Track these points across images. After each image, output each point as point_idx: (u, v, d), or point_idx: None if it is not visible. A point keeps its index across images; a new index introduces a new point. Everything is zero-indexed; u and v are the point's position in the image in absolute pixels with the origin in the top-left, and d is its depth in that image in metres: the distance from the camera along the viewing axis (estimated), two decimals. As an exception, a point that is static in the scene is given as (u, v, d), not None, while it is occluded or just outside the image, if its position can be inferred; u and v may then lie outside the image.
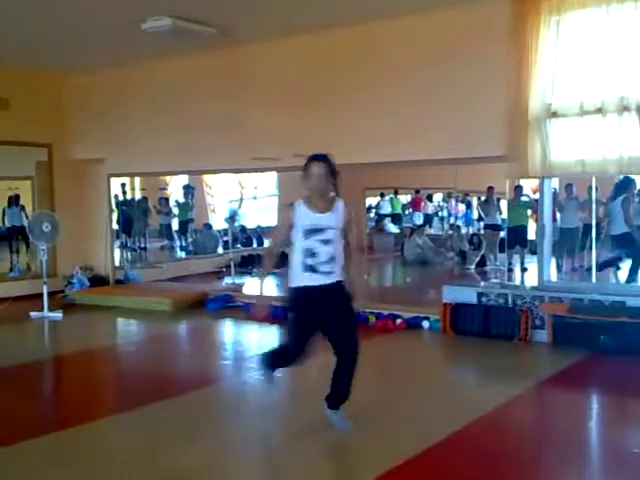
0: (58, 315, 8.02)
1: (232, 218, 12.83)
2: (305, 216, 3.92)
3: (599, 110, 5.92)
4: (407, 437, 3.93)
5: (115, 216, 10.70)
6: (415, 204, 15.45)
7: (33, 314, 7.97)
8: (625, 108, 5.79)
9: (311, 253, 3.88)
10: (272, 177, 15.43)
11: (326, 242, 3.89)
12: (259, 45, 7.84)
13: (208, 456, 3.79)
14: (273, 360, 4.23)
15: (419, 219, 14.84)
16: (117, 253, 10.61)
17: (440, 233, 14.31)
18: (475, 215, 14.30)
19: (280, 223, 4.08)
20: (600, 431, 4.45)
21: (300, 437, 4.06)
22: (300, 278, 3.92)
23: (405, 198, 15.48)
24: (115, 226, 10.65)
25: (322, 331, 3.97)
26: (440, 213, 15.14)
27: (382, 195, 14.63)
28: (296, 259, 3.92)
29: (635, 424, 4.45)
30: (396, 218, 14.86)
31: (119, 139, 9.32)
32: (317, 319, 3.95)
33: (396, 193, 14.61)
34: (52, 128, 9.66)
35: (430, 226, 14.64)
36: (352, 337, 3.98)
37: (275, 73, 7.91)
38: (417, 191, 15.30)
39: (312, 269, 3.88)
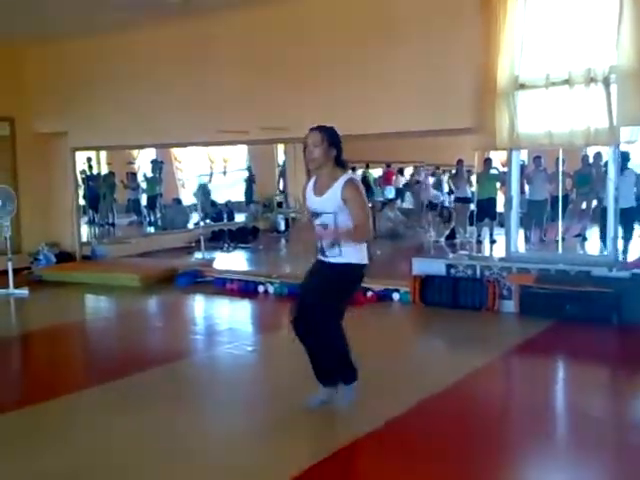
0: (24, 292, 7.89)
1: (204, 193, 12.69)
2: (308, 197, 3.82)
3: (566, 82, 5.94)
4: (374, 407, 3.94)
5: (82, 191, 10.53)
6: (386, 178, 15.44)
7: (-2, 291, 7.83)
8: (592, 79, 5.81)
9: (318, 236, 3.74)
10: (242, 151, 15.31)
11: (325, 227, 3.70)
12: (223, 15, 7.62)
13: (172, 425, 3.79)
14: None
15: (390, 193, 14.84)
16: (84, 229, 10.46)
17: (411, 207, 14.33)
18: (446, 188, 14.36)
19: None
20: (564, 397, 4.54)
21: (264, 407, 4.08)
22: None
23: (377, 172, 15.49)
24: (82, 202, 10.48)
25: None
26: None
27: (354, 169, 14.58)
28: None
29: (597, 390, 4.54)
30: (369, 192, 14.81)
31: (82, 111, 9.09)
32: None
33: (367, 167, 14.55)
34: (14, 101, 9.36)
35: (402, 200, 14.66)
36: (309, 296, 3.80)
37: (239, 44, 7.73)
38: (388, 165, 15.30)
39: (322, 253, 3.77)
